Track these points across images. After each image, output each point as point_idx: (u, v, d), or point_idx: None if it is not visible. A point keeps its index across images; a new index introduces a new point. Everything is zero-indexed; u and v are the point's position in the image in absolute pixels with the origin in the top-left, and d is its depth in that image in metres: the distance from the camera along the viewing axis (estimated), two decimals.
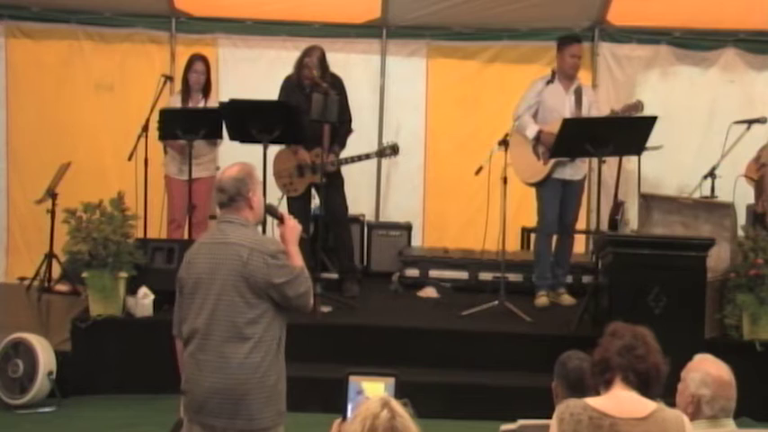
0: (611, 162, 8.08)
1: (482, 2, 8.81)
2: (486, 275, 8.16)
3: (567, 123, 7.12)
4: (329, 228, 8.00)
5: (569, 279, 7.96)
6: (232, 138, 7.44)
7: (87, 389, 6.80)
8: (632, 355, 3.33)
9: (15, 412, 6.52)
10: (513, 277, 7.87)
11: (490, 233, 7.40)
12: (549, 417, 3.40)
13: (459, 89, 9.30)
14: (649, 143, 7.27)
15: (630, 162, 8.23)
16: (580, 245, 8.22)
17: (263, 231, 5.69)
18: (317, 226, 7.95)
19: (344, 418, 3.23)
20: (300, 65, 7.63)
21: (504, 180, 7.26)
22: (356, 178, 8.37)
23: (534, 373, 6.13)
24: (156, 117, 7.60)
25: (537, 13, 8.81)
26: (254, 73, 9.01)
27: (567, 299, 7.72)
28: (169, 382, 4.97)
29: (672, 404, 3.54)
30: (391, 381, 3.23)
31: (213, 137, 7.66)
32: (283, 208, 7.75)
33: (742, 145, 7.75)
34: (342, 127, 7.63)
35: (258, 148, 7.19)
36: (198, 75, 7.87)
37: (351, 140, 7.75)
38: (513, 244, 8.45)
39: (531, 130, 7.44)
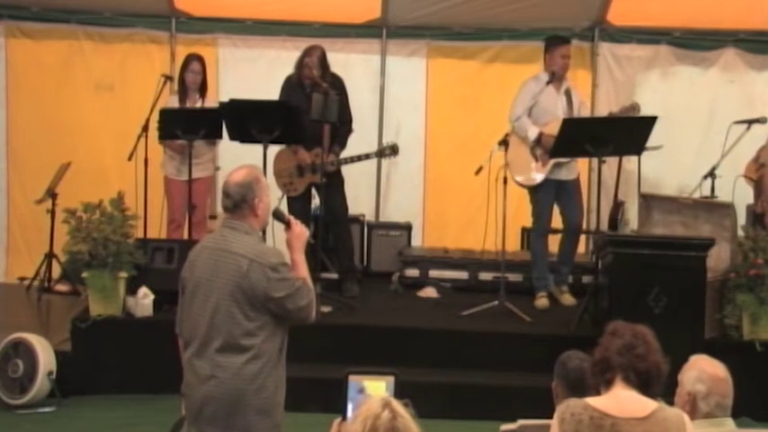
0: (611, 162, 8.08)
1: (482, 2, 8.81)
2: (486, 275, 8.17)
3: (566, 123, 7.13)
4: (329, 228, 8.00)
5: (569, 279, 7.96)
6: (232, 138, 7.44)
7: (87, 389, 6.80)
8: (632, 354, 3.33)
9: (15, 412, 6.52)
10: (513, 277, 7.87)
11: (490, 233, 7.40)
12: (549, 417, 3.40)
13: (459, 89, 9.30)
14: (649, 143, 7.27)
15: (630, 162, 8.23)
16: (580, 245, 8.21)
17: (264, 235, 5.67)
18: (317, 226, 7.95)
19: (344, 417, 3.23)
20: (301, 64, 7.64)
21: (505, 180, 7.27)
22: (356, 178, 8.37)
23: (534, 373, 6.13)
24: (155, 117, 7.60)
25: (537, 13, 8.80)
26: (254, 73, 9.00)
27: (567, 298, 7.72)
28: (169, 382, 4.97)
29: (672, 404, 3.55)
30: (391, 379, 3.23)
31: (213, 137, 7.66)
32: (283, 208, 7.76)
33: (742, 145, 7.76)
34: (342, 127, 7.63)
35: (258, 147, 7.19)
36: (194, 74, 7.87)
37: (351, 140, 7.76)
38: (513, 244, 8.45)
39: (533, 132, 7.44)
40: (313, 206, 7.97)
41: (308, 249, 7.73)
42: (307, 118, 7.28)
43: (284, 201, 7.74)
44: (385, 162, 8.82)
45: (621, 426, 3.24)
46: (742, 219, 7.62)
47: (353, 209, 8.24)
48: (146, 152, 7.84)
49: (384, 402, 2.73)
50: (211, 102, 7.85)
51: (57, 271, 8.20)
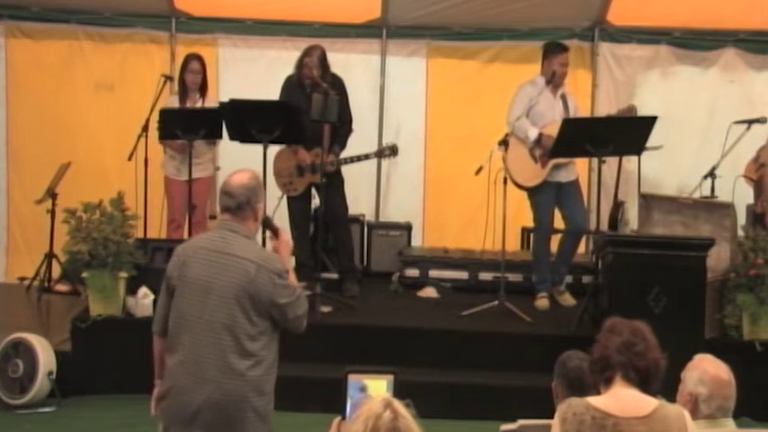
0: (611, 162, 8.09)
1: (482, 2, 8.81)
2: (486, 275, 8.16)
3: (567, 123, 7.13)
4: (329, 228, 7.99)
5: (569, 279, 7.96)
6: (232, 138, 7.44)
7: (87, 389, 6.80)
8: (632, 352, 3.33)
9: (15, 412, 6.52)
10: (513, 277, 7.87)
11: (490, 233, 7.41)
12: (549, 417, 3.40)
13: (459, 89, 9.30)
14: (649, 143, 7.27)
15: (630, 162, 8.24)
16: (580, 245, 8.21)
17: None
18: (317, 226, 7.95)
19: (344, 416, 3.23)
20: (301, 64, 7.64)
21: (505, 180, 7.27)
22: (356, 178, 8.37)
23: (534, 373, 6.14)
24: (156, 117, 7.60)
25: (537, 13, 8.81)
26: (254, 73, 9.00)
27: (567, 299, 7.72)
28: None
29: (671, 402, 3.54)
30: (390, 379, 3.23)
31: (213, 137, 7.66)
32: (283, 208, 7.78)
33: (742, 145, 7.76)
34: (342, 127, 7.63)
35: (258, 147, 7.19)
36: (194, 74, 7.86)
37: (351, 140, 7.76)
38: (513, 244, 8.45)
39: (533, 133, 7.43)
40: (313, 206, 7.97)
41: (308, 249, 7.83)
42: (307, 118, 7.28)
43: (284, 200, 7.75)
44: (385, 162, 8.82)
45: (623, 425, 3.24)
46: (742, 219, 7.62)
47: (353, 209, 8.24)
48: (146, 152, 7.84)
49: (385, 402, 2.73)
50: (212, 101, 7.85)
51: (57, 271, 8.20)
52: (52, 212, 8.13)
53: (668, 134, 8.01)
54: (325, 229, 7.98)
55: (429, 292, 8.13)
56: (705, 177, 7.62)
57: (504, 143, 7.29)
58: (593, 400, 3.32)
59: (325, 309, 7.16)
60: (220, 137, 7.61)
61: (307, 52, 7.66)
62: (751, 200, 8.00)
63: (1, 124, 9.08)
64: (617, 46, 9.27)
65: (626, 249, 6.68)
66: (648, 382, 3.34)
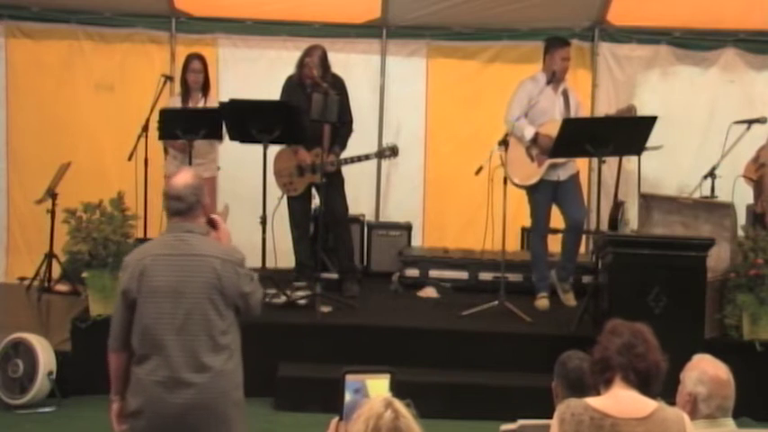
0: (611, 162, 8.09)
1: (482, 2, 8.81)
2: (486, 275, 8.17)
3: (567, 123, 7.13)
4: (329, 228, 7.99)
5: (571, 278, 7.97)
6: (232, 138, 7.44)
7: (87, 389, 6.78)
8: (632, 353, 3.33)
9: (15, 412, 6.52)
10: (513, 277, 7.87)
11: (490, 233, 7.41)
12: (549, 417, 3.41)
13: (459, 89, 9.30)
14: (649, 143, 7.28)
15: (630, 162, 8.24)
16: (581, 245, 8.21)
17: None
18: (317, 226, 7.96)
19: (341, 417, 3.24)
20: (301, 64, 7.64)
21: (505, 180, 7.27)
22: (356, 178, 8.37)
23: (534, 373, 6.15)
24: (156, 117, 7.60)
25: (537, 13, 8.81)
26: (254, 73, 9.00)
27: (569, 298, 7.72)
28: None
29: (671, 404, 3.55)
30: (387, 378, 3.23)
31: (213, 137, 7.65)
32: (283, 207, 7.78)
33: (742, 145, 7.76)
34: (343, 128, 7.63)
35: (258, 147, 7.19)
36: (196, 74, 7.85)
37: (351, 140, 7.76)
38: (513, 244, 8.46)
39: (529, 132, 7.43)
40: (313, 206, 7.97)
41: (308, 249, 7.83)
42: (307, 118, 7.28)
43: (284, 200, 7.75)
44: (385, 162, 8.81)
45: (621, 426, 3.25)
46: (742, 219, 7.63)
47: (353, 209, 8.24)
48: (146, 152, 7.84)
49: (386, 402, 2.73)
50: (214, 101, 7.84)
51: (57, 271, 8.20)
52: (52, 212, 8.13)
53: (668, 134, 8.01)
54: (325, 229, 7.98)
55: (429, 292, 8.13)
56: (705, 177, 7.62)
57: (505, 143, 7.29)
58: (591, 401, 3.33)
59: (325, 309, 7.16)
60: (221, 137, 7.61)
61: (307, 52, 7.66)
62: (751, 200, 8.01)
63: (1, 124, 9.08)
64: (617, 46, 9.27)
65: (626, 249, 6.67)
66: (648, 384, 3.34)
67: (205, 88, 7.89)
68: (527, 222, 8.12)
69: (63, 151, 8.74)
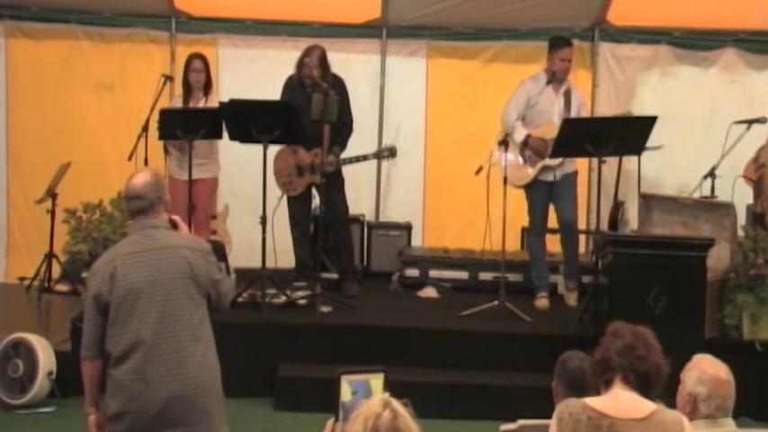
0: (611, 162, 8.09)
1: (482, 2, 8.81)
2: (486, 275, 8.17)
3: (567, 123, 7.13)
4: (329, 228, 7.99)
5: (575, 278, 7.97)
6: (232, 138, 7.44)
7: None
8: (633, 355, 3.34)
9: (15, 412, 6.52)
10: (513, 277, 7.87)
11: (490, 233, 7.40)
12: (550, 417, 3.41)
13: (460, 89, 9.30)
14: (649, 143, 7.28)
15: (630, 162, 8.24)
16: (580, 245, 8.21)
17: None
18: (317, 226, 7.95)
19: (337, 417, 3.24)
20: (301, 64, 7.64)
21: (504, 180, 7.27)
22: (356, 178, 8.37)
23: (534, 373, 6.14)
24: (156, 117, 7.60)
25: (537, 13, 8.81)
26: (254, 73, 9.00)
27: (571, 298, 7.72)
28: None
29: (672, 404, 3.55)
30: (381, 377, 3.24)
31: (213, 137, 7.64)
32: (283, 207, 7.78)
33: (742, 145, 7.76)
34: (343, 128, 7.63)
35: (258, 147, 7.19)
36: (197, 73, 7.84)
37: (351, 140, 7.76)
38: (513, 244, 8.45)
39: (519, 134, 7.43)
40: (313, 206, 7.97)
41: (308, 249, 7.82)
42: (307, 118, 7.28)
43: (284, 200, 7.75)
44: (385, 162, 8.82)
45: (619, 426, 3.25)
46: (742, 219, 7.62)
47: (353, 209, 8.24)
48: (146, 152, 7.83)
49: (384, 402, 2.74)
50: (215, 101, 7.83)
51: (57, 271, 8.20)
52: (52, 212, 8.13)
53: (668, 134, 8.01)
54: (326, 229, 7.98)
55: (429, 292, 8.13)
56: (705, 177, 7.62)
57: (504, 143, 7.28)
58: (590, 401, 3.33)
59: (325, 309, 7.16)
60: (220, 137, 7.60)
61: (307, 52, 7.66)
62: (751, 200, 8.01)
63: (1, 124, 9.08)
64: (617, 46, 9.27)
65: (626, 249, 6.67)
66: (648, 386, 3.34)
67: (207, 88, 7.88)
68: (527, 222, 8.12)
69: (63, 151, 8.74)
